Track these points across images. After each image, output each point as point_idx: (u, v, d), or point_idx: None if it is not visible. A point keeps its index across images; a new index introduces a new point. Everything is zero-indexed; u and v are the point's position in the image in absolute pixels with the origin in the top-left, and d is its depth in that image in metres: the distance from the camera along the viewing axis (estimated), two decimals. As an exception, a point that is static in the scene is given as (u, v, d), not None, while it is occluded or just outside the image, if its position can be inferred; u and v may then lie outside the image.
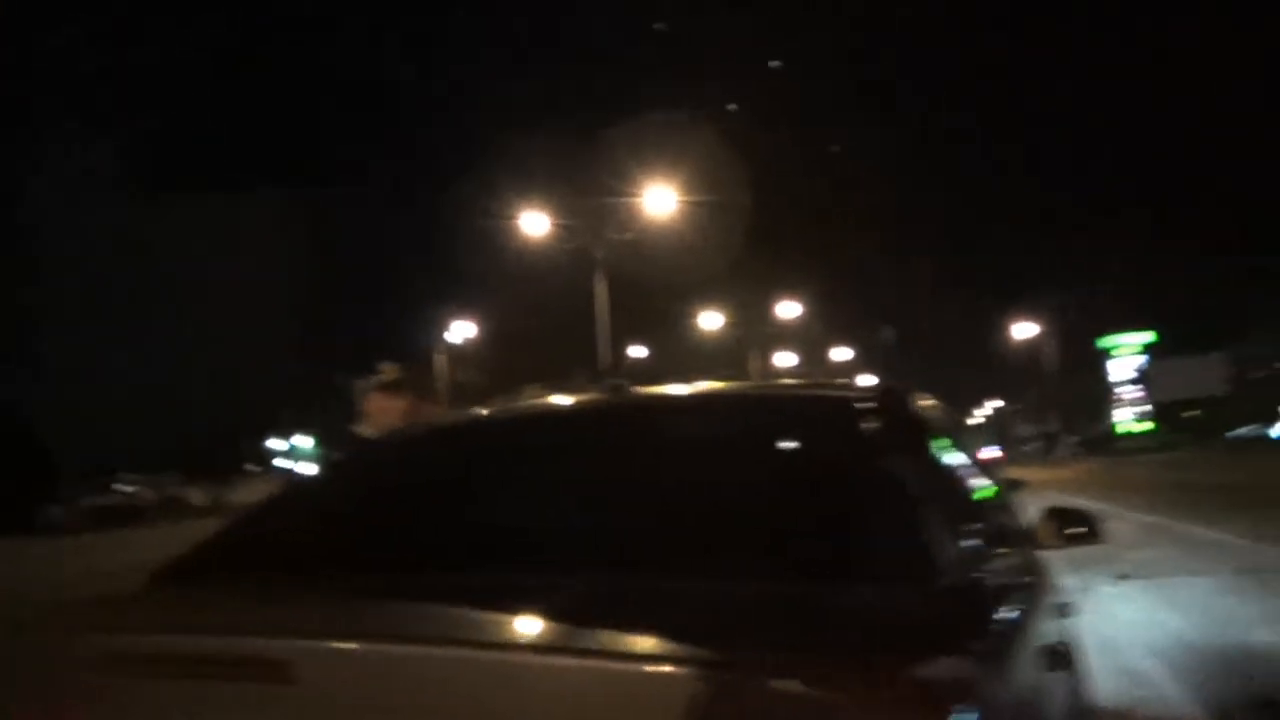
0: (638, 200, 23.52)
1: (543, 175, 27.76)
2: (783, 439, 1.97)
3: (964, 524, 2.17)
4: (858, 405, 2.07)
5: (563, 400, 2.47)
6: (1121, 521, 14.56)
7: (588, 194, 25.07)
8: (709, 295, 36.97)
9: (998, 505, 2.87)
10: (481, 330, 35.31)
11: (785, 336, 41.87)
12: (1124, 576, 8.24)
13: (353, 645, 1.19)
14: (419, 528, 1.83)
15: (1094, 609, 6.89)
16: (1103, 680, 4.46)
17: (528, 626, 1.35)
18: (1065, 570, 7.88)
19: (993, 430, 68.46)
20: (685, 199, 23.99)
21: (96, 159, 65.12)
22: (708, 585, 1.45)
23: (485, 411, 2.54)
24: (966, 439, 3.00)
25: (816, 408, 2.16)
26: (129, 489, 36.08)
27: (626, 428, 2.10)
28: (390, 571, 1.65)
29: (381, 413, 5.35)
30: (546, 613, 1.33)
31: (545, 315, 34.28)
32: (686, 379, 2.47)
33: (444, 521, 1.84)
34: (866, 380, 2.53)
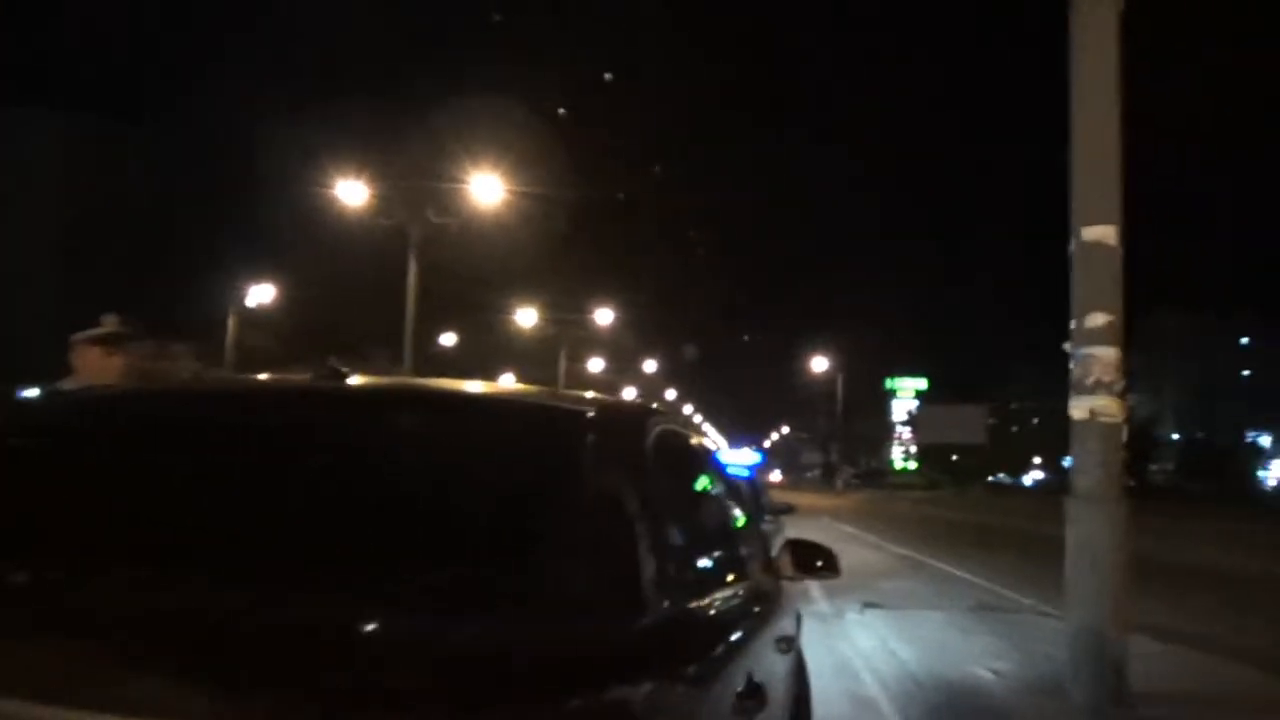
0: (462, 186, 23.01)
1: (364, 145, 26.73)
2: (489, 448, 1.84)
3: (691, 553, 2.15)
4: (582, 420, 1.96)
5: (268, 380, 2.29)
6: (880, 552, 15.50)
7: (410, 171, 24.33)
8: (525, 292, 36.66)
9: (740, 534, 2.88)
10: (282, 297, 33.50)
11: (598, 342, 42.15)
12: (870, 605, 8.70)
13: None
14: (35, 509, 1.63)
15: (838, 635, 7.24)
16: (830, 705, 4.64)
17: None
18: (820, 596, 8.34)
19: (780, 455, 71.90)
20: (511, 190, 23.69)
21: None
22: (340, 610, 1.32)
23: (179, 384, 2.30)
24: (717, 466, 2.99)
25: (535, 418, 2.05)
26: None
27: (317, 418, 1.92)
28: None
29: (92, 370, 4.72)
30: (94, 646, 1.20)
31: (353, 290, 32.97)
32: (491, 373, 2.32)
33: (66, 504, 1.64)
34: (628, 395, 2.44)
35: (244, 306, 31.73)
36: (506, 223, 26.33)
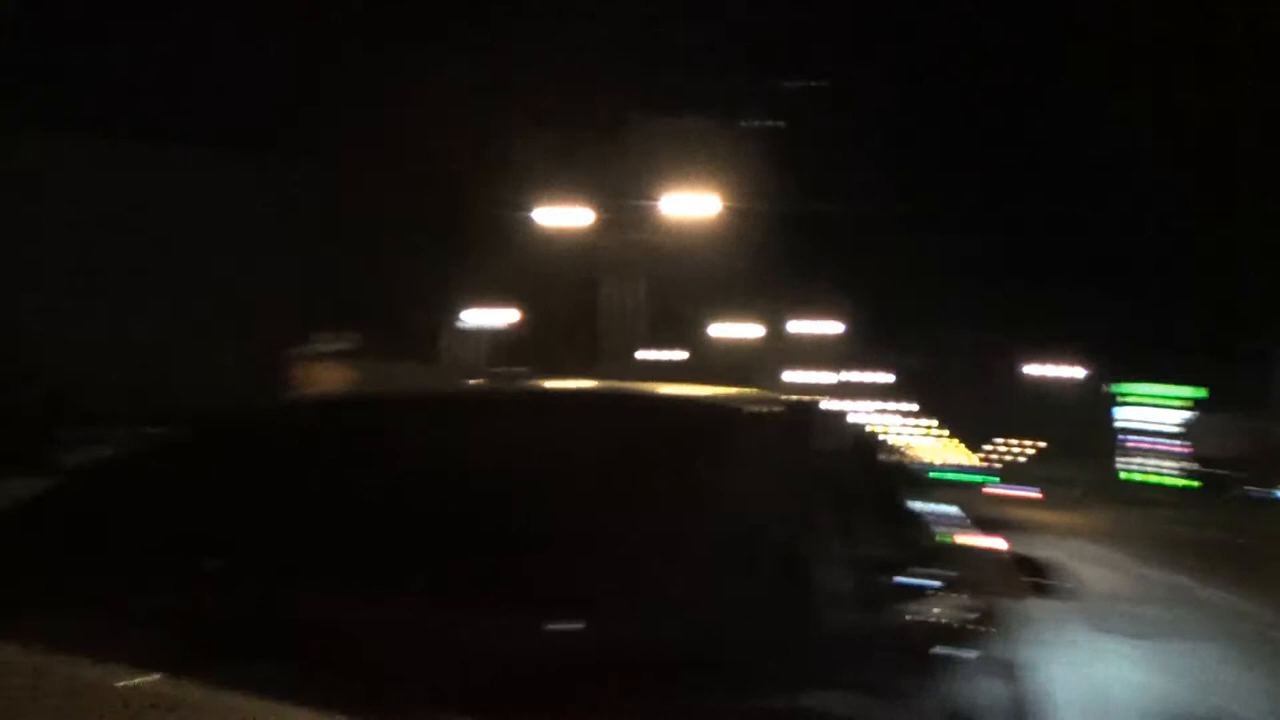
0: (665, 202, 23.31)
1: (571, 173, 27.64)
2: (647, 445, 1.74)
3: (875, 561, 1.96)
4: (744, 415, 1.88)
5: (455, 386, 2.42)
6: (1132, 576, 14.07)
7: (617, 193, 24.91)
8: (736, 304, 36.83)
9: (941, 545, 2.65)
10: (497, 316, 35.33)
11: (824, 353, 41.74)
12: (1133, 636, 7.80)
13: None
14: (224, 516, 1.66)
15: (1093, 665, 6.47)
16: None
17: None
18: (1068, 621, 7.54)
19: (1025, 468, 68.19)
20: (729, 206, 23.75)
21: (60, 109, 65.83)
22: (513, 618, 1.25)
23: (374, 392, 2.45)
24: (907, 471, 2.81)
25: (693, 412, 1.96)
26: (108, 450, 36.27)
27: (475, 419, 1.96)
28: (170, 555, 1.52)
29: (318, 383, 5.21)
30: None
31: (560, 307, 34.26)
32: (700, 383, 2.38)
33: (247, 512, 1.67)
34: (811, 397, 2.46)
35: (463, 326, 33.79)
36: (715, 237, 26.47)
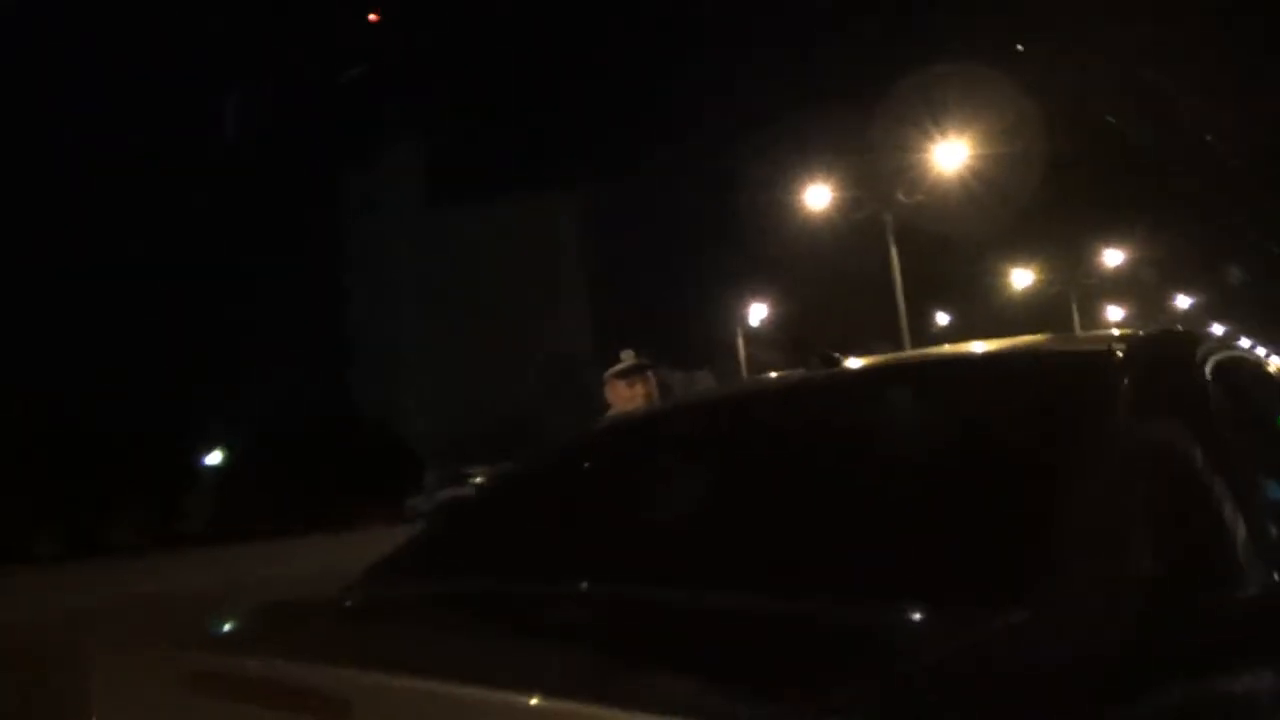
0: (927, 157, 22.24)
1: (823, 145, 27.12)
2: (995, 411, 1.61)
3: None
4: (1109, 360, 1.62)
5: (757, 382, 2.31)
6: None
7: (872, 157, 24.12)
8: (1016, 251, 34.35)
9: None
10: (777, 309, 35.28)
11: (1112, 289, 37.94)
12: None
13: (410, 683, 1.10)
14: (588, 529, 1.74)
15: None
16: None
17: (567, 666, 1.18)
18: None
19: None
20: (979, 152, 22.37)
21: (401, 162, 72.78)
22: (858, 608, 1.20)
23: (673, 401, 2.42)
24: None
25: (1048, 367, 1.75)
26: (478, 480, 39.86)
27: (811, 408, 1.88)
28: (549, 580, 1.56)
29: (620, 401, 5.40)
30: (608, 647, 1.20)
31: (840, 287, 33.58)
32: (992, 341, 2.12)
33: (606, 524, 1.74)
34: (1161, 330, 2.00)
35: (748, 326, 34.09)
36: (981, 187, 24.91)
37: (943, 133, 22.05)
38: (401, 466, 43.83)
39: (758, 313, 34.58)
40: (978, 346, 2.08)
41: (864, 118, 26.98)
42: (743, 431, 1.91)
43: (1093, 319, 37.18)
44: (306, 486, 39.68)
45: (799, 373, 2.07)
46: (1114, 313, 39.71)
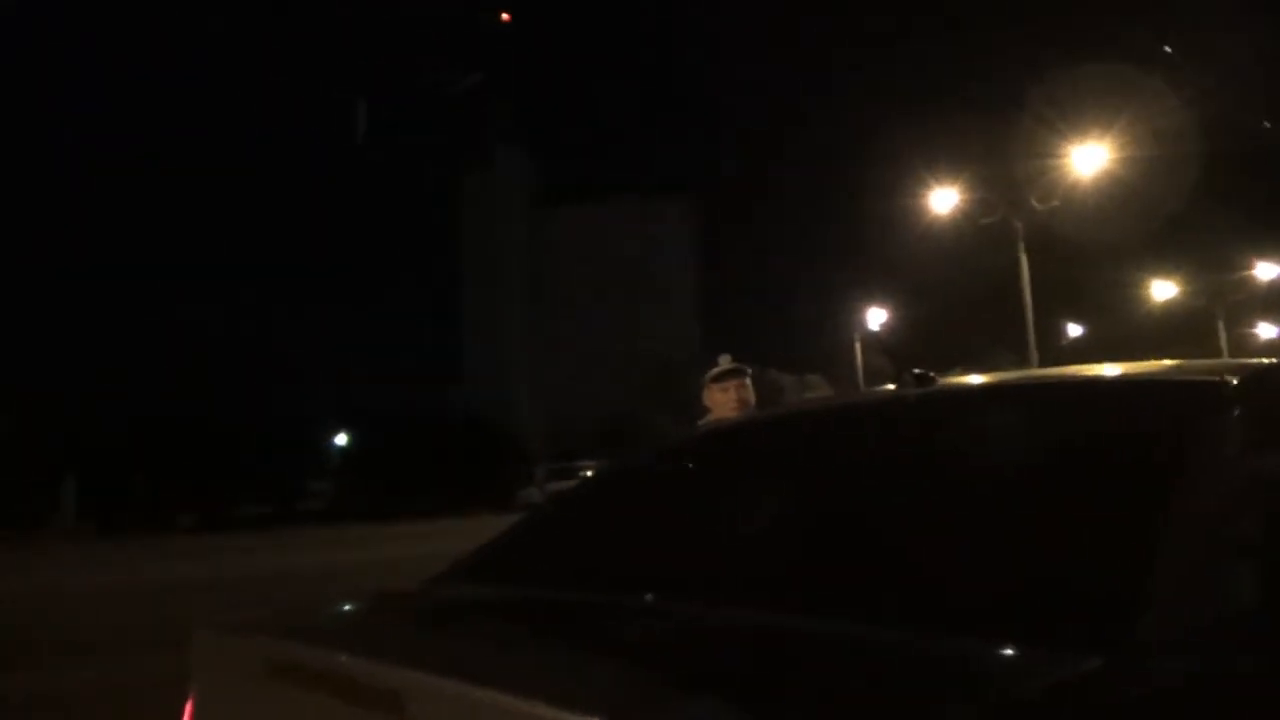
0: (1064, 161, 21.31)
1: (954, 149, 26.32)
2: (1091, 441, 1.52)
3: None
4: (1220, 391, 1.52)
5: (847, 398, 2.30)
6: None
7: (1006, 162, 23.28)
8: (1158, 261, 32.61)
9: None
10: (899, 316, 34.53)
11: (1265, 303, 35.59)
12: None
13: (461, 686, 1.11)
14: (660, 544, 1.73)
15: None
16: None
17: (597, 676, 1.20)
18: None
19: None
20: (1120, 156, 21.28)
21: (517, 165, 74.90)
22: (920, 639, 1.14)
23: (764, 413, 2.39)
24: None
25: (1152, 396, 1.65)
26: (588, 472, 40.18)
27: (889, 430, 1.83)
28: (623, 589, 1.55)
29: (717, 406, 5.36)
30: (650, 662, 1.22)
31: (965, 296, 32.61)
32: (1130, 358, 2.09)
33: (678, 538, 1.73)
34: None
35: (866, 330, 33.49)
36: (1121, 193, 23.74)
37: (1081, 136, 21.09)
38: (513, 460, 44.91)
39: (877, 318, 33.87)
40: (1083, 370, 2.01)
41: (998, 120, 26.17)
42: (825, 450, 1.87)
43: (1241, 336, 34.99)
44: (423, 476, 41.14)
45: (890, 390, 2.00)
46: (1266, 330, 37.26)
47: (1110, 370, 1.94)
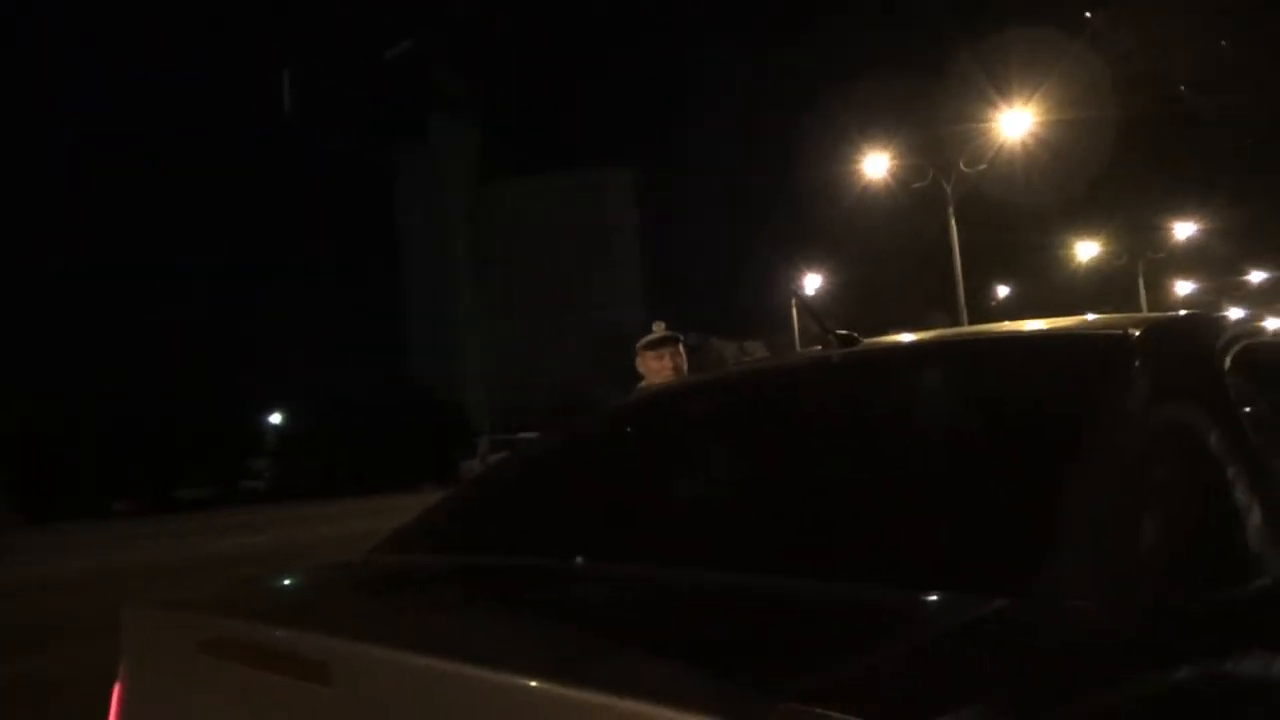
0: (991, 126, 21.69)
1: (883, 115, 26.59)
2: (1000, 395, 1.61)
3: None
4: (1121, 345, 1.58)
5: (772, 361, 2.29)
6: None
7: (934, 126, 23.63)
8: (1082, 223, 33.40)
9: None
10: (836, 281, 34.94)
11: (1182, 262, 36.72)
12: None
13: (386, 652, 1.14)
14: (591, 509, 1.77)
15: None
16: None
17: (549, 643, 1.21)
18: None
19: None
20: (1045, 119, 21.73)
21: (457, 138, 73.44)
22: (835, 589, 1.19)
23: (692, 379, 2.42)
24: None
25: (1057, 351, 1.73)
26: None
27: (813, 394, 1.88)
28: (551, 554, 1.59)
29: (651, 373, 5.40)
30: (594, 626, 1.22)
31: (896, 260, 33.13)
32: (1056, 316, 2.09)
33: (609, 503, 1.76)
34: (1231, 314, 1.92)
35: (804, 296, 33.80)
36: (1046, 156, 24.25)
37: (1008, 100, 21.47)
38: (457, 433, 44.66)
39: (813, 284, 34.25)
40: (997, 328, 2.07)
41: (927, 86, 26.46)
42: (750, 412, 1.92)
43: (1161, 293, 36.11)
44: (366, 452, 40.71)
45: (814, 352, 2.05)
46: (1183, 287, 38.52)
47: (1021, 327, 1.99)
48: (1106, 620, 1.07)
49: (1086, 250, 33.41)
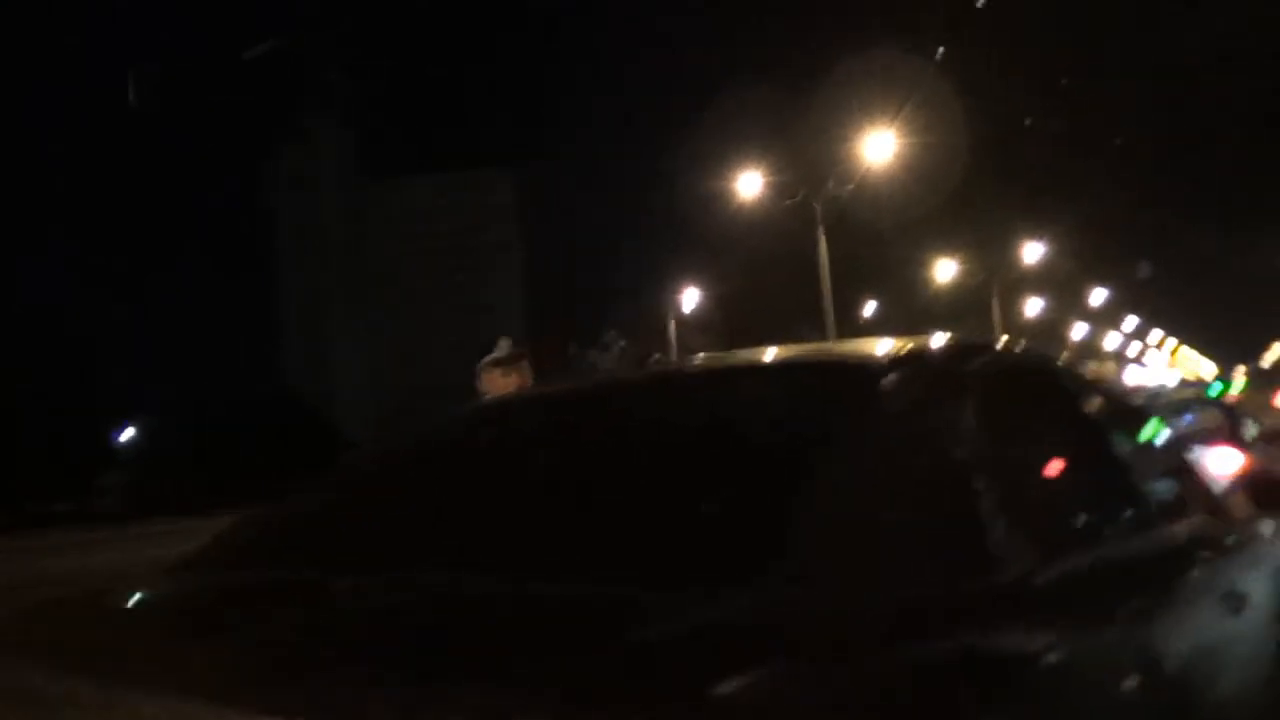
0: (856, 148, 22.51)
1: (760, 132, 27.28)
2: (750, 420, 1.76)
3: (1059, 504, 1.86)
4: (864, 373, 1.77)
5: (581, 380, 2.46)
6: None
7: (806, 145, 24.36)
8: (943, 242, 34.96)
9: (1145, 469, 2.37)
10: (711, 295, 35.48)
11: (1034, 281, 38.89)
12: None
13: (95, 691, 1.13)
14: (394, 520, 1.79)
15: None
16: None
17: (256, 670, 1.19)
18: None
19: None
20: (908, 142, 22.68)
21: (332, 138, 71.60)
22: (600, 594, 1.26)
23: (498, 399, 2.54)
24: (1118, 404, 2.57)
25: (806, 378, 1.91)
26: None
27: (605, 411, 2.01)
28: (321, 568, 1.59)
29: (495, 390, 5.48)
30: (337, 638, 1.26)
31: (770, 274, 33.95)
32: (917, 332, 2.25)
33: (402, 513, 1.80)
34: (1077, 333, 2.12)
35: (680, 312, 34.24)
36: (912, 178, 25.34)
37: (873, 121, 22.33)
38: (328, 441, 43.35)
39: (692, 297, 34.74)
40: (770, 353, 2.26)
41: (801, 105, 27.23)
42: (551, 428, 2.03)
43: (1014, 311, 38.11)
44: (229, 464, 39.03)
45: (614, 373, 2.21)
46: (1034, 305, 40.78)
47: (785, 353, 2.22)
48: (838, 615, 1.18)
49: (946, 269, 34.94)
